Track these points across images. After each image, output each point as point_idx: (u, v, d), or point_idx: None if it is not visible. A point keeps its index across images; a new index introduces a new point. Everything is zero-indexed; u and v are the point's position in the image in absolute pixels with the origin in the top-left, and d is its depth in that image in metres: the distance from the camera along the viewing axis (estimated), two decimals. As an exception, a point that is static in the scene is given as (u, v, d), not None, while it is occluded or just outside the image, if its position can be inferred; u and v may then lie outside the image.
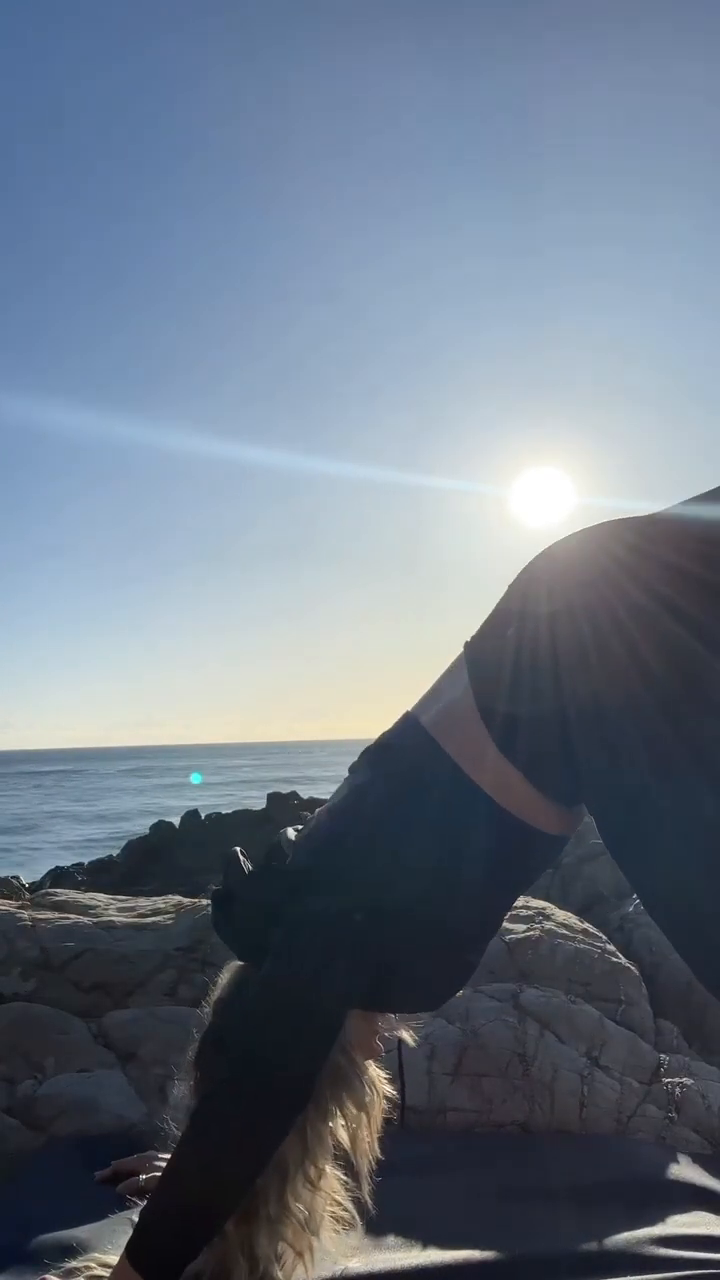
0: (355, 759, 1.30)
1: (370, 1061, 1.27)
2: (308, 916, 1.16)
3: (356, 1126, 1.24)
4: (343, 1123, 1.23)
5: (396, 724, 1.28)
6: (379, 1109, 1.27)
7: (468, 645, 1.26)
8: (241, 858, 1.27)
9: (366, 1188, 1.25)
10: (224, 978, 1.28)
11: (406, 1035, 1.35)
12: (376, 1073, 1.28)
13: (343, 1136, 1.24)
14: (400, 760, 1.23)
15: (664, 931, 1.20)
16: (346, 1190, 1.26)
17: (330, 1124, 1.22)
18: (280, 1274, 1.20)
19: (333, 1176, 1.24)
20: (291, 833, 1.31)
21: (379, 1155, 1.27)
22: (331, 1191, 1.24)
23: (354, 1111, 1.22)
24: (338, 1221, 1.25)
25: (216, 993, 1.27)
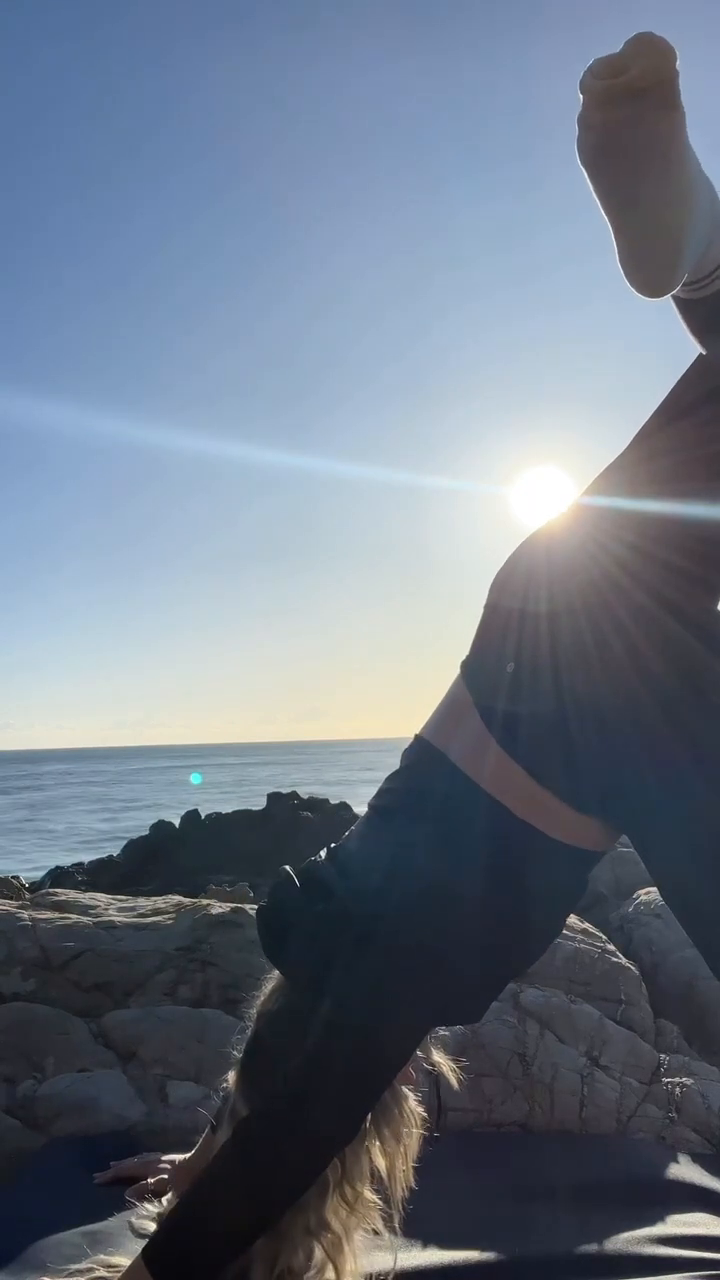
0: (378, 791, 1.29)
1: (407, 1089, 1.26)
2: (365, 962, 1.13)
3: (393, 1154, 1.23)
4: (380, 1146, 1.22)
5: (413, 753, 1.26)
6: (416, 1138, 1.26)
7: (464, 664, 1.26)
8: (295, 880, 1.24)
9: (398, 1215, 1.24)
10: (267, 988, 1.27)
11: (445, 1067, 1.33)
12: (414, 1102, 1.27)
13: (379, 1162, 1.23)
14: (430, 796, 1.20)
15: (680, 922, 1.21)
16: (380, 1212, 1.24)
17: (368, 1146, 1.21)
18: None
19: (368, 1198, 1.23)
20: (324, 854, 1.29)
21: (412, 1184, 1.26)
22: (366, 1212, 1.23)
23: (392, 1141, 1.22)
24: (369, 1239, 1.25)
25: (261, 1003, 1.27)
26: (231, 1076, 1.26)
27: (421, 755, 1.25)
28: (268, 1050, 1.21)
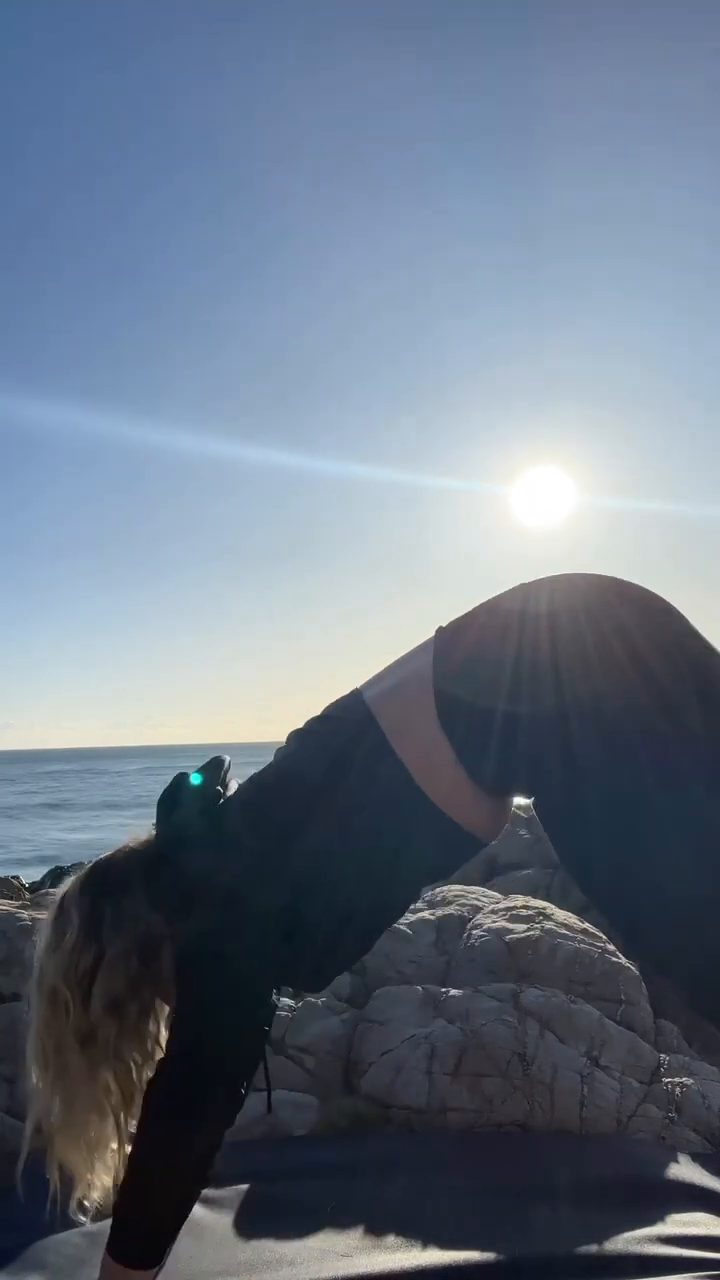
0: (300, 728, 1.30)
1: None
2: (240, 903, 1.18)
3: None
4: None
5: (344, 704, 1.26)
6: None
7: (440, 631, 1.24)
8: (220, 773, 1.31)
9: None
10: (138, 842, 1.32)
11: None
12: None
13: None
14: (345, 750, 1.21)
15: (658, 932, 1.19)
16: None
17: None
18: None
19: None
20: (234, 786, 1.33)
21: None
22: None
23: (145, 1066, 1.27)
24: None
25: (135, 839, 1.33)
26: (69, 883, 1.33)
27: (349, 706, 1.25)
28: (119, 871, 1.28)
